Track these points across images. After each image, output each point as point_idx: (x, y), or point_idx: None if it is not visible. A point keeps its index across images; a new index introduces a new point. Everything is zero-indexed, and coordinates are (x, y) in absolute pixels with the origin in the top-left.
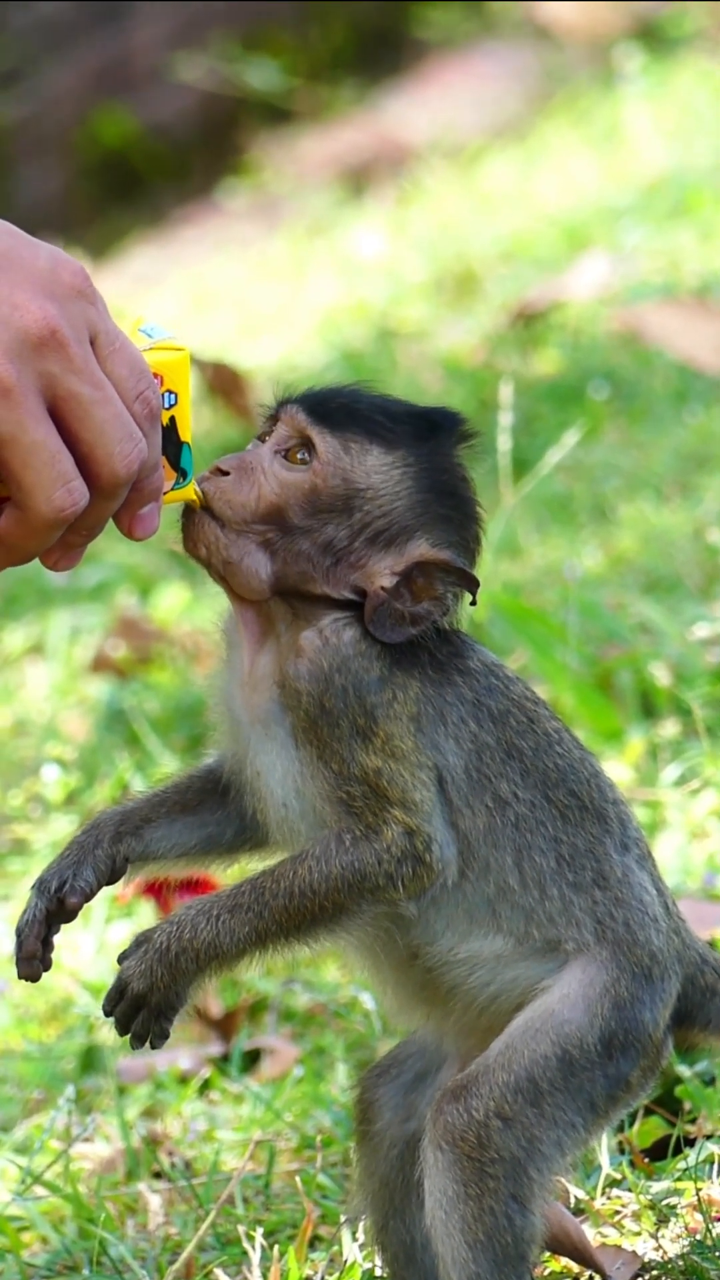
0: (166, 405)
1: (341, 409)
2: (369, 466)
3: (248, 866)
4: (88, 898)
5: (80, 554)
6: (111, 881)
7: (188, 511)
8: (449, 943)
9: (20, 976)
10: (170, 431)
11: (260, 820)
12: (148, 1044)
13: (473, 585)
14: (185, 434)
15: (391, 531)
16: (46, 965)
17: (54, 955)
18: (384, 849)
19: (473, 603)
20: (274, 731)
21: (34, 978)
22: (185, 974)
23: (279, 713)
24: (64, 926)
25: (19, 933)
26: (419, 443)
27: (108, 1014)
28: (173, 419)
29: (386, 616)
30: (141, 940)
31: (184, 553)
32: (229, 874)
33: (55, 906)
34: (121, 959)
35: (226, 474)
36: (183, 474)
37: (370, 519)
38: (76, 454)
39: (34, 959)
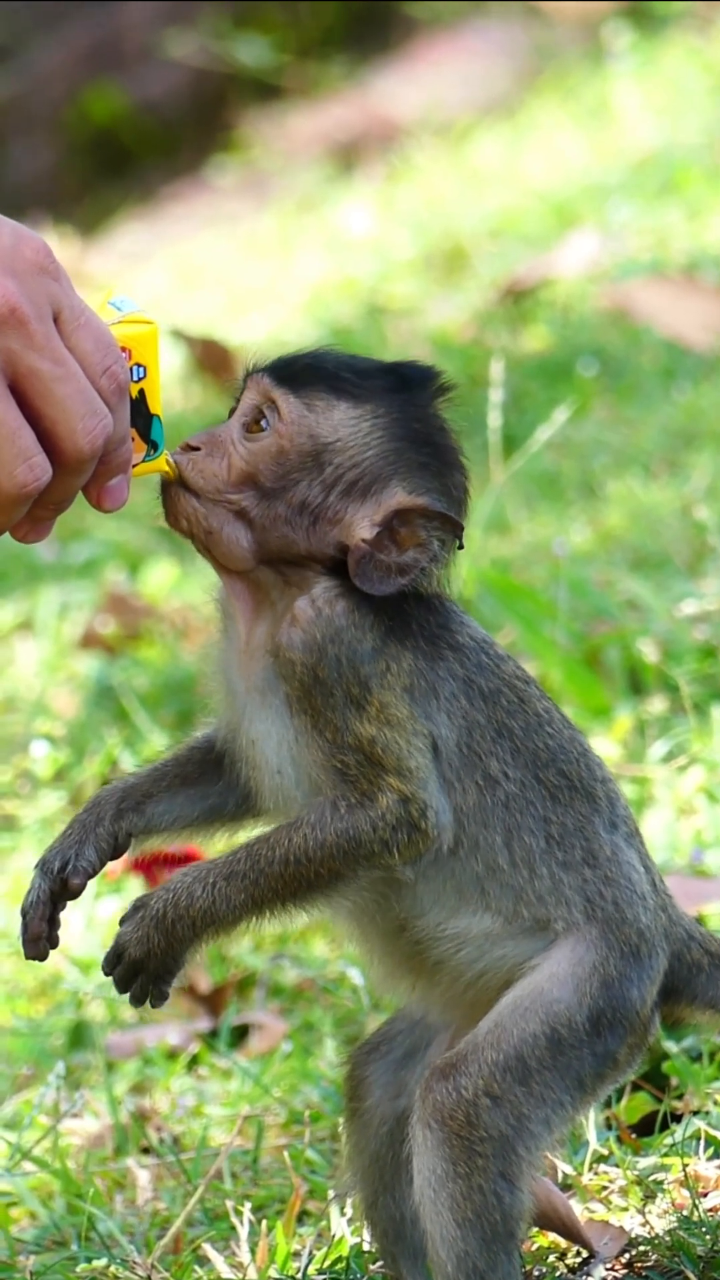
0: (135, 378)
1: (305, 369)
2: (336, 421)
3: (246, 838)
4: (91, 876)
5: (49, 527)
6: (115, 857)
7: (165, 486)
8: (437, 918)
9: (27, 957)
10: (139, 404)
11: (254, 788)
12: (147, 1004)
13: (457, 529)
14: (155, 406)
15: (365, 481)
16: (53, 944)
17: (60, 929)
18: (379, 816)
19: (460, 546)
20: (269, 700)
21: (41, 958)
22: (181, 941)
23: (274, 681)
24: (69, 903)
25: (24, 914)
26: (390, 395)
27: (107, 974)
28: (142, 392)
29: (371, 568)
30: (139, 906)
31: (169, 527)
32: (235, 842)
33: (59, 887)
34: (121, 923)
35: (197, 449)
36: (153, 446)
37: (341, 471)
38: (39, 430)
39: (40, 940)
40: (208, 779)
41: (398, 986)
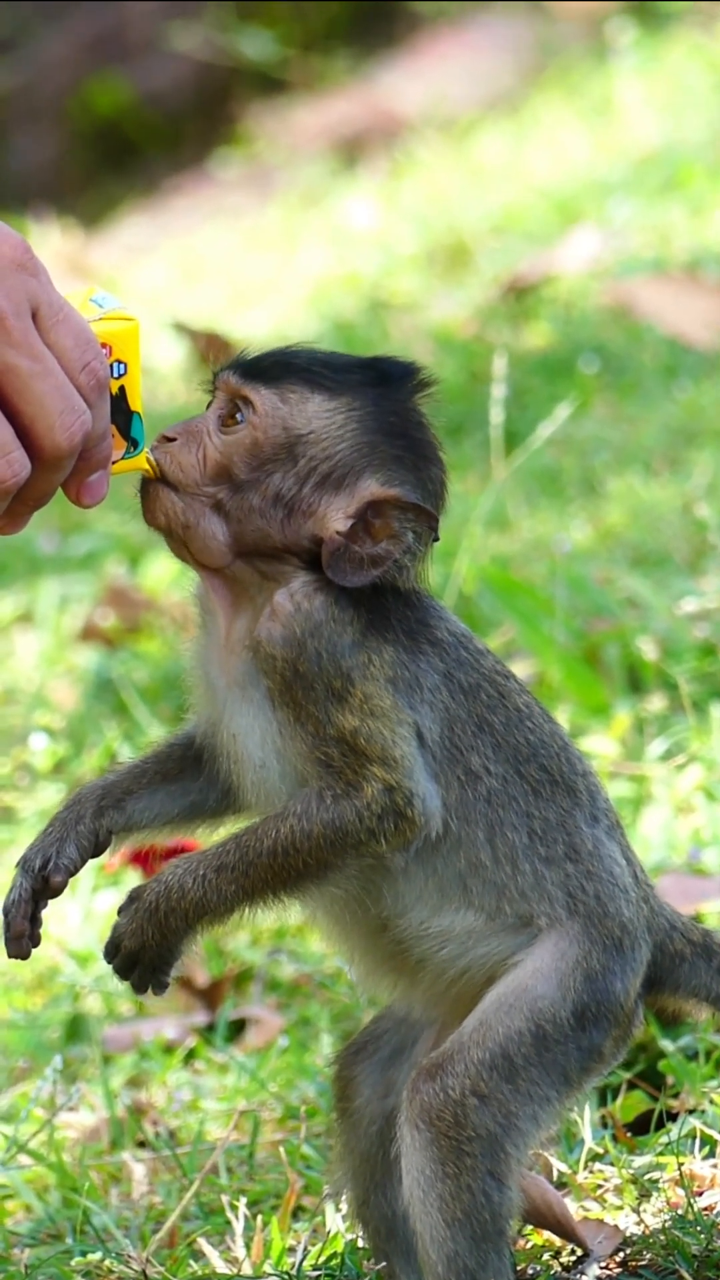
0: (116, 375)
1: (277, 365)
2: (310, 413)
3: (234, 830)
4: (72, 874)
5: (25, 521)
6: (96, 855)
7: (145, 484)
8: (420, 916)
9: (10, 956)
10: (120, 400)
11: (236, 783)
12: (149, 992)
13: (431, 521)
14: (135, 403)
15: (339, 473)
16: (35, 942)
17: (41, 927)
18: (364, 805)
19: (435, 539)
20: (250, 694)
21: (23, 956)
22: (175, 932)
23: (255, 676)
24: (50, 900)
25: (6, 913)
26: (367, 389)
27: (108, 963)
28: (122, 388)
29: (344, 560)
30: (133, 898)
31: (146, 525)
32: (216, 837)
33: (40, 885)
34: (119, 913)
35: (173, 440)
36: (133, 443)
37: (315, 463)
38: (17, 427)
39: (22, 938)
40: (188, 775)
41: (379, 984)
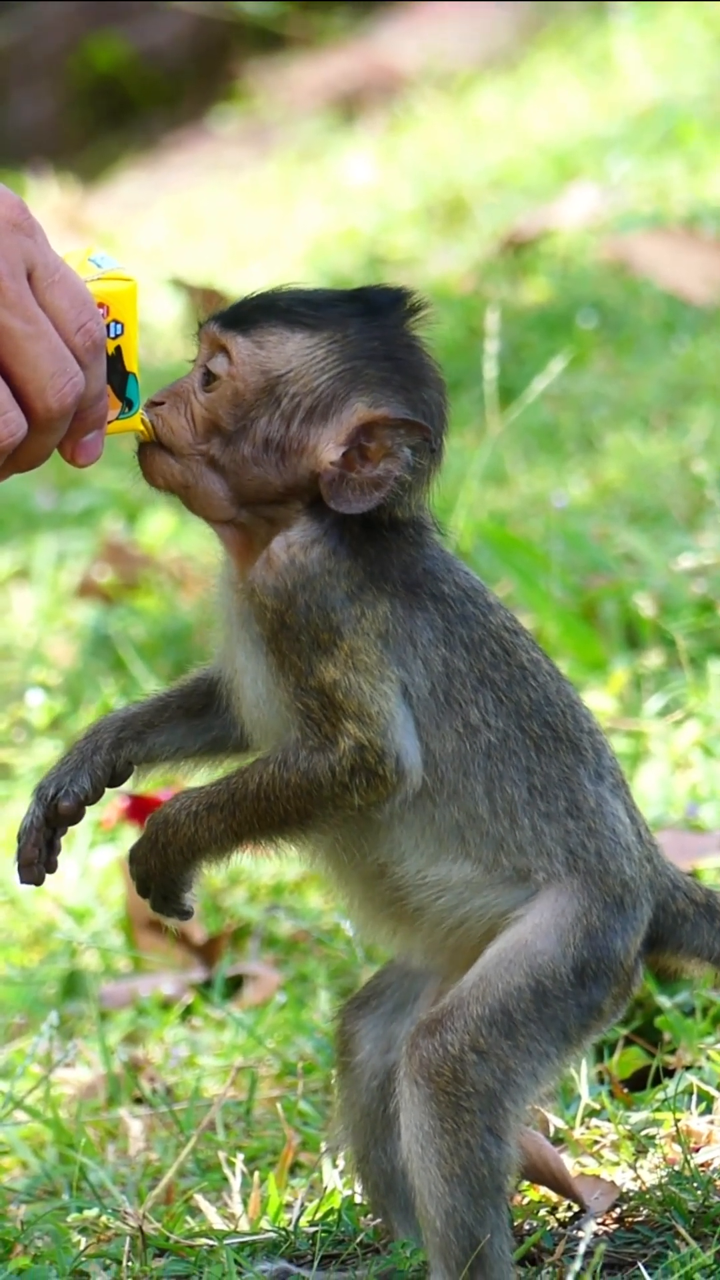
0: (112, 335)
1: (256, 310)
2: (289, 353)
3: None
4: (83, 802)
5: (7, 476)
6: (114, 785)
7: (141, 448)
8: (416, 865)
9: (21, 881)
10: (115, 361)
11: (239, 719)
12: (173, 917)
13: (425, 433)
14: (131, 364)
15: (323, 405)
16: (51, 868)
17: (58, 854)
18: (336, 760)
19: (434, 452)
20: (246, 636)
21: (36, 882)
22: (175, 864)
23: (250, 618)
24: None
25: (18, 839)
26: (351, 320)
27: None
28: (119, 348)
29: (345, 488)
30: (146, 824)
31: (148, 487)
32: None
33: (53, 812)
34: None
35: (161, 404)
36: (128, 404)
37: (298, 399)
38: (11, 388)
39: (32, 865)
40: (211, 711)
41: (378, 932)
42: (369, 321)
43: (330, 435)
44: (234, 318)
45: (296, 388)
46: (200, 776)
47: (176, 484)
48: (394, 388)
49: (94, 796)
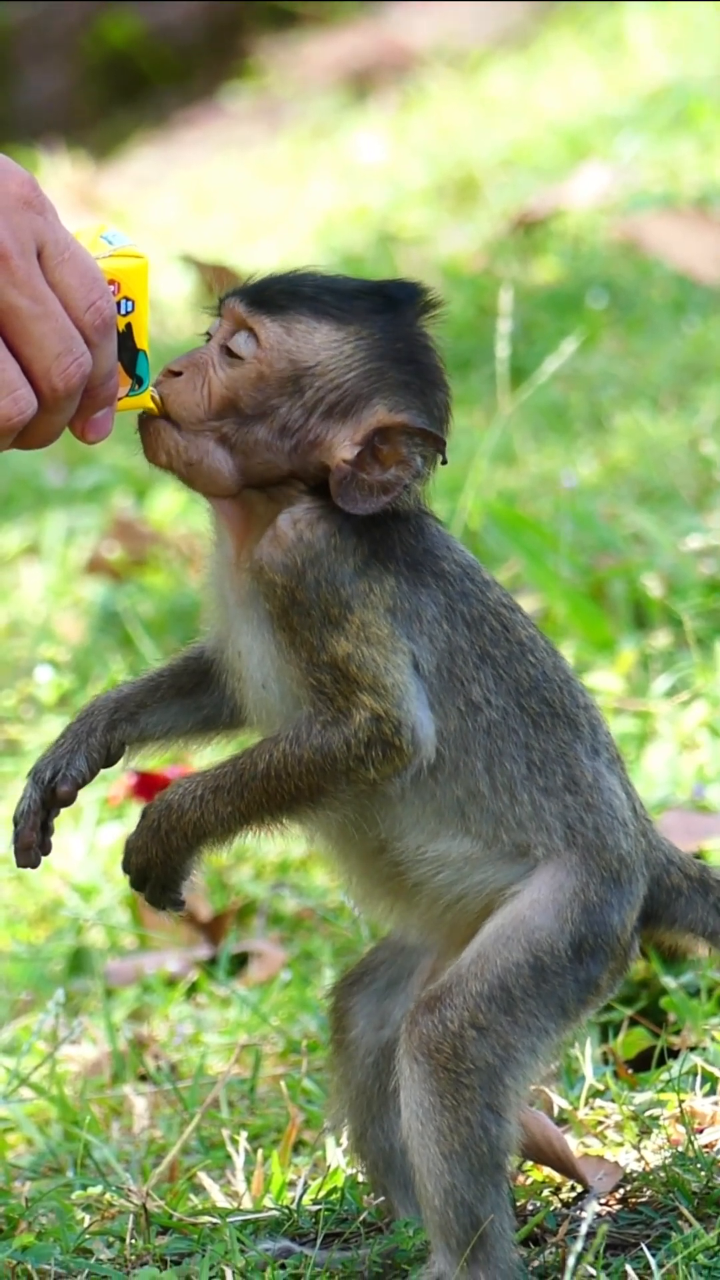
0: (123, 312)
1: (283, 293)
2: (316, 344)
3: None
4: (80, 785)
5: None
6: (108, 766)
7: (144, 422)
8: (416, 840)
9: (19, 865)
10: (126, 338)
11: (240, 701)
12: (166, 909)
13: (439, 445)
14: (142, 341)
15: (345, 402)
16: (46, 850)
17: (52, 836)
18: (352, 733)
19: (443, 462)
20: (252, 614)
21: (33, 865)
22: (177, 851)
23: (257, 596)
24: (56, 828)
25: (15, 822)
26: (375, 316)
27: (125, 874)
28: (129, 326)
29: (353, 488)
30: (143, 814)
31: (148, 463)
32: (228, 753)
33: (49, 795)
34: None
35: (179, 374)
36: (138, 381)
37: (322, 394)
38: (20, 367)
39: (30, 849)
40: (202, 690)
41: (376, 907)
42: (391, 319)
43: (348, 434)
44: (260, 299)
45: (322, 381)
46: (192, 754)
47: (180, 461)
48: (413, 393)
49: (89, 778)
